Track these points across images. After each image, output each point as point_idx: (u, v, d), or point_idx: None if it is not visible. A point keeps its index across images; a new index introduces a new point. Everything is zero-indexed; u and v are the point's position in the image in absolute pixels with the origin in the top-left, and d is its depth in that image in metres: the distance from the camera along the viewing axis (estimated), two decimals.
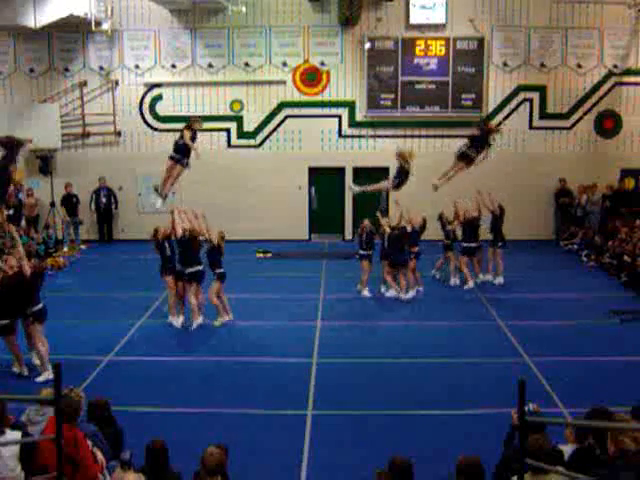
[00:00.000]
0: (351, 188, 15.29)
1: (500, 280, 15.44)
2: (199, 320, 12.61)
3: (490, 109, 19.61)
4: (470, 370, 10.71)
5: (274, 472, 7.74)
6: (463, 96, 19.48)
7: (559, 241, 19.46)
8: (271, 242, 19.21)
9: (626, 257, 15.57)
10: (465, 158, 13.76)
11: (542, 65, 19.52)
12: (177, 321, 12.70)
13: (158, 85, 19.76)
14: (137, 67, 19.70)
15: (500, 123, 19.67)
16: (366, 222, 14.81)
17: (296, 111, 19.78)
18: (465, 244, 15.33)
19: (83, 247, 19.55)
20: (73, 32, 19.39)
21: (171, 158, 12.99)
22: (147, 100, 19.84)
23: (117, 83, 19.72)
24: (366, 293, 14.60)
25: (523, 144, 19.79)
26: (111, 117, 19.68)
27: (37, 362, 10.54)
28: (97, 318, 13.24)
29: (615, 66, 19.49)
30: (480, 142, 13.80)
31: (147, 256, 16.51)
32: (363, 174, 20.04)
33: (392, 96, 19.51)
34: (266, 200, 19.85)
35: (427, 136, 19.79)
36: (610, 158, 19.73)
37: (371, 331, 12.61)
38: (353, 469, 7.64)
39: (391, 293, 14.45)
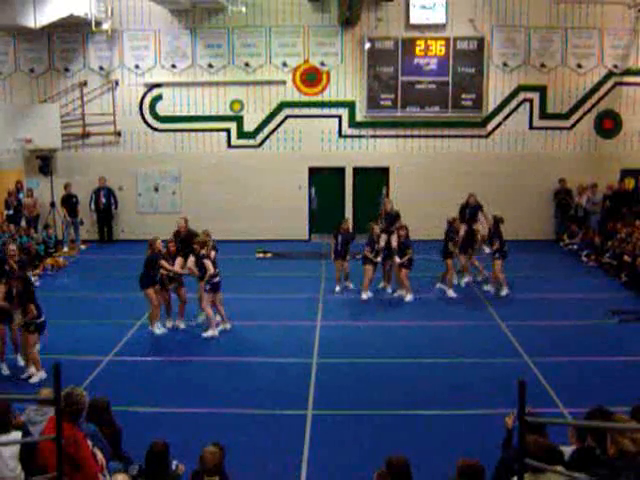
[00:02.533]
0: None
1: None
2: (227, 325, 12.51)
3: (490, 109, 19.61)
4: (470, 370, 10.72)
5: (274, 472, 7.74)
6: (463, 96, 19.48)
7: (559, 241, 19.46)
8: (271, 242, 19.21)
9: (626, 257, 15.57)
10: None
11: (542, 65, 19.51)
12: (160, 329, 12.38)
13: (158, 85, 19.76)
14: (137, 67, 19.70)
15: (500, 124, 19.73)
16: (376, 227, 14.63)
17: (296, 111, 19.77)
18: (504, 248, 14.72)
19: (83, 247, 19.55)
20: (73, 32, 19.39)
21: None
22: (147, 100, 19.83)
23: (117, 83, 19.72)
24: (365, 296, 14.45)
25: (523, 144, 19.78)
26: (111, 117, 19.68)
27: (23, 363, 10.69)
28: (97, 318, 13.24)
29: (615, 66, 19.48)
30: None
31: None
32: (363, 174, 20.10)
33: (392, 96, 19.51)
34: (266, 200, 19.85)
35: (427, 136, 19.78)
36: (610, 158, 19.73)
37: (371, 331, 12.60)
38: (353, 469, 7.65)
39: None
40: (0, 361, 10.71)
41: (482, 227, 15.75)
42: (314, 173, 20.14)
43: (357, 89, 19.64)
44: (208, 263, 11.96)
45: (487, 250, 15.13)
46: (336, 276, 14.92)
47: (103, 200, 19.76)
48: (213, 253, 12.42)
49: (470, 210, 16.18)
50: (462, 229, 15.23)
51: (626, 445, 5.46)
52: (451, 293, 14.68)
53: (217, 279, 12.23)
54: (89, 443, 5.94)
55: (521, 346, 11.56)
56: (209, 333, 12.15)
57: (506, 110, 19.66)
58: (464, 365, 10.93)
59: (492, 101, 19.60)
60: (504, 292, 14.59)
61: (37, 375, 10.32)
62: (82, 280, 16.46)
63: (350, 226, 15.05)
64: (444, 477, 6.11)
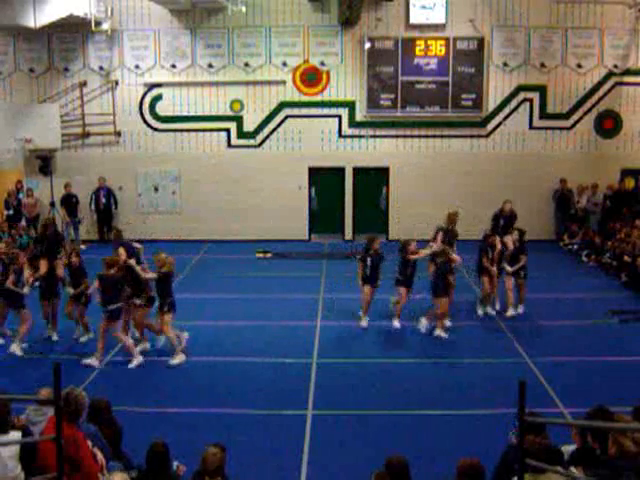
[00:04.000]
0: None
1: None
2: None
3: (490, 109, 19.61)
4: (470, 370, 10.72)
5: (274, 472, 7.74)
6: (463, 96, 19.48)
7: (559, 241, 19.45)
8: (271, 242, 19.21)
9: (626, 257, 15.57)
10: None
11: (542, 65, 19.51)
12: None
13: (158, 85, 19.76)
14: (137, 67, 19.70)
15: (500, 124, 19.73)
16: (413, 244, 12.59)
17: (296, 111, 19.78)
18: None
19: (83, 247, 19.50)
20: (73, 32, 19.40)
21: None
22: (147, 100, 19.84)
23: (117, 83, 19.73)
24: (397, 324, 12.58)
25: (523, 144, 19.78)
26: (111, 117, 19.69)
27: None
28: (97, 318, 13.20)
29: (615, 66, 19.48)
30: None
31: (146, 257, 16.52)
32: (363, 174, 20.10)
33: (392, 96, 19.51)
34: (266, 200, 19.86)
35: (427, 136, 19.78)
36: (610, 158, 19.73)
37: (371, 331, 12.58)
38: (353, 469, 7.63)
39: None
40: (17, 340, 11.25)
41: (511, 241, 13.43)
42: (314, 173, 20.14)
43: (357, 89, 19.64)
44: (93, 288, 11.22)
45: (508, 269, 13.06)
46: (363, 306, 12.73)
47: (103, 200, 19.77)
48: (151, 275, 11.40)
49: (505, 220, 14.83)
50: (499, 242, 13.29)
51: (627, 445, 5.46)
52: (490, 310, 13.29)
53: (113, 306, 10.93)
54: (89, 443, 5.93)
55: (521, 346, 11.55)
56: (134, 363, 10.84)
57: (506, 110, 19.67)
58: (464, 365, 10.93)
59: (492, 101, 19.60)
60: (520, 309, 13.29)
61: (86, 336, 11.90)
62: None
63: (379, 245, 12.72)
64: (444, 477, 6.11)
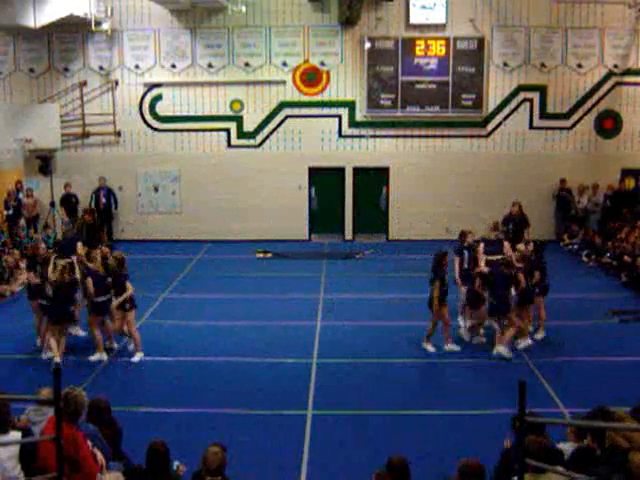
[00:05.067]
0: None
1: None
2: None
3: (490, 109, 19.60)
4: (470, 370, 10.72)
5: (274, 472, 7.74)
6: (463, 96, 19.47)
7: (559, 241, 19.45)
8: (271, 242, 19.21)
9: (626, 257, 15.57)
10: None
11: (542, 65, 19.50)
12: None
13: (158, 85, 19.75)
14: (137, 67, 19.69)
15: (500, 124, 19.72)
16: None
17: (296, 111, 19.77)
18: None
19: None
20: (73, 32, 19.38)
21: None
22: (147, 100, 19.82)
23: (117, 83, 19.72)
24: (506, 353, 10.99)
25: (523, 144, 19.77)
26: (111, 117, 19.68)
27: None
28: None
29: (615, 66, 19.47)
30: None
31: (146, 256, 16.56)
32: (363, 174, 20.09)
33: (392, 96, 19.50)
34: (266, 200, 19.85)
35: (427, 136, 19.76)
36: (610, 158, 19.71)
37: (371, 331, 12.58)
38: (353, 469, 7.65)
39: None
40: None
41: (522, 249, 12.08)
42: (314, 173, 20.12)
43: (357, 89, 19.62)
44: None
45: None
46: (431, 330, 11.41)
47: (103, 200, 19.75)
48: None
49: (515, 224, 13.67)
50: (510, 249, 12.18)
51: (619, 441, 5.48)
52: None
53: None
54: (89, 443, 5.93)
55: None
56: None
57: (506, 110, 19.65)
58: (464, 365, 10.93)
59: (492, 101, 19.59)
60: (540, 335, 11.94)
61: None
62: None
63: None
64: (444, 477, 6.11)
